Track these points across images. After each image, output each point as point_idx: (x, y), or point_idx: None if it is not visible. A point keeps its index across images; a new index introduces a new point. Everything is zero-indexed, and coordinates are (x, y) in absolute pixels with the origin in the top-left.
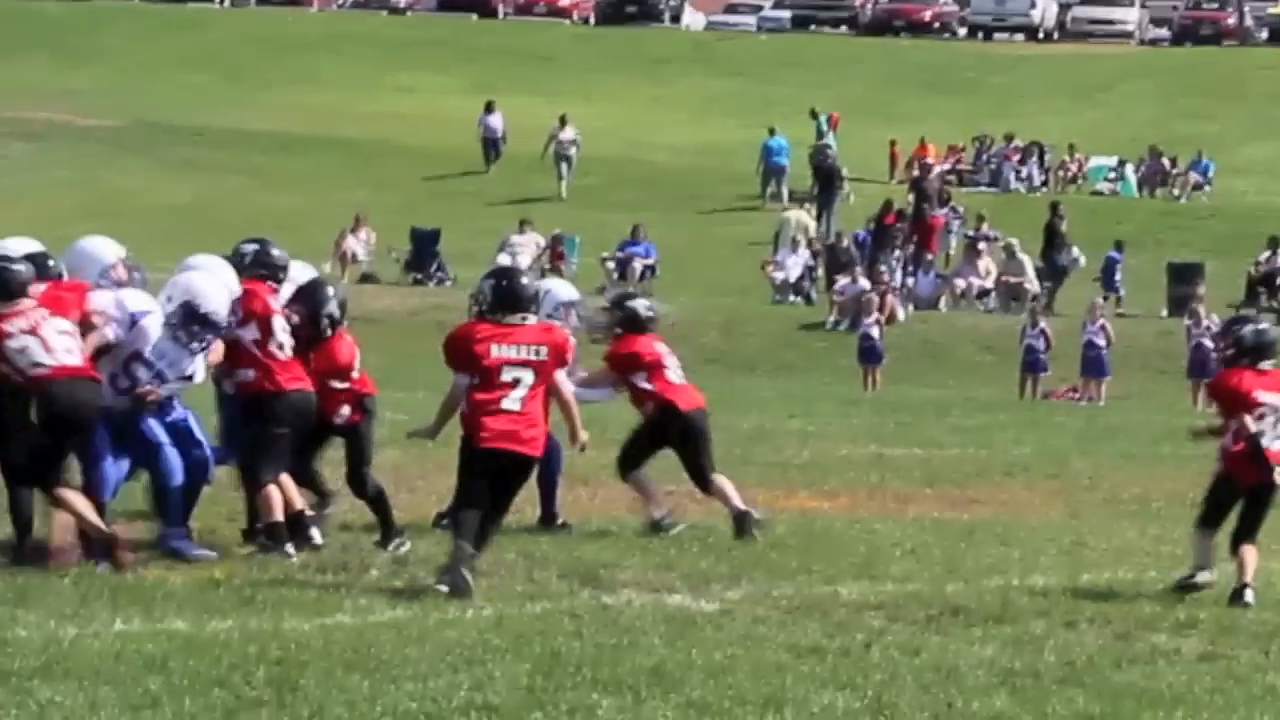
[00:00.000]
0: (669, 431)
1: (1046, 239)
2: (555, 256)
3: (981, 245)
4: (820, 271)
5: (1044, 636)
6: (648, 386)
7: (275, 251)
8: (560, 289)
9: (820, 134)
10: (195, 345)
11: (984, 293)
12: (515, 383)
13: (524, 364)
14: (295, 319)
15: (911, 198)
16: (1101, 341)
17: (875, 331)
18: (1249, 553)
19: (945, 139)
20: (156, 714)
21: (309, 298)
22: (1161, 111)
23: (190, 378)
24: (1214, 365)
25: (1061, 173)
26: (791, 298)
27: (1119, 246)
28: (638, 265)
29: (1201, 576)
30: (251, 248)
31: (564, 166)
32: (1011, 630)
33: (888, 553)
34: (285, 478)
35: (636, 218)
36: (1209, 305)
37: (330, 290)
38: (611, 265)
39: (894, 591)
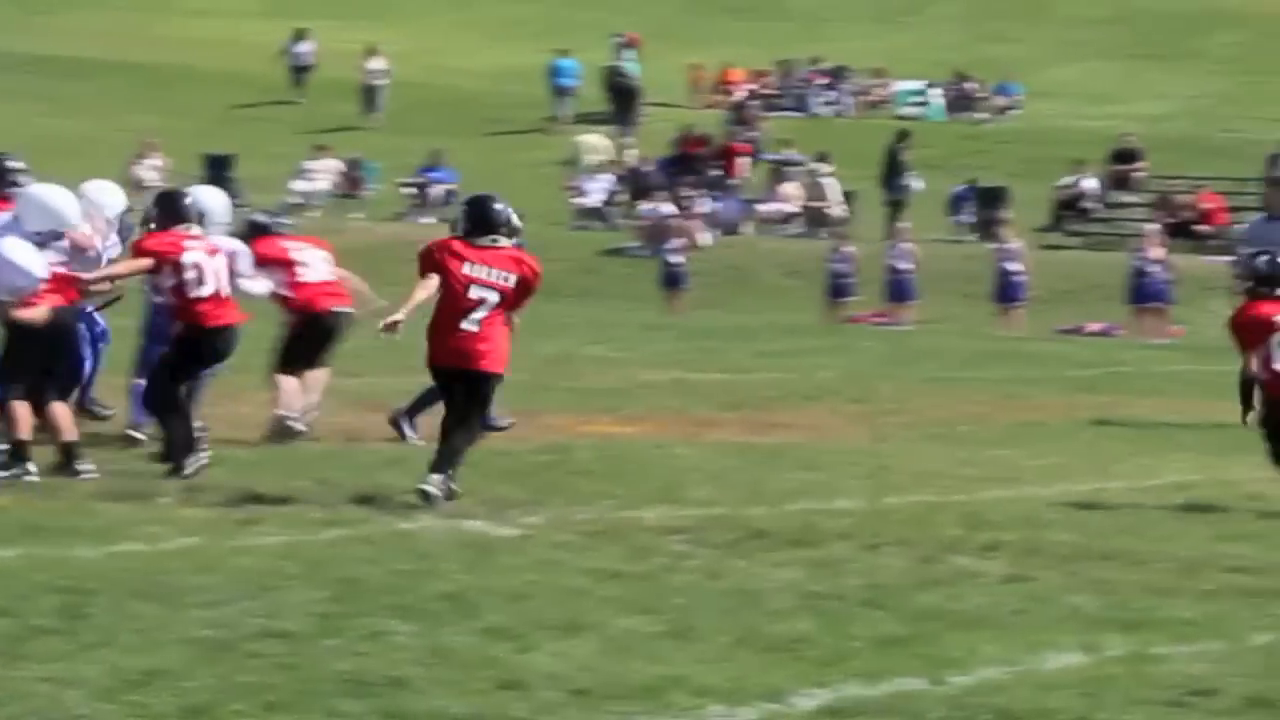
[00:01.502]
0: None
1: (888, 166)
2: (351, 182)
3: (787, 170)
4: (623, 196)
5: (847, 560)
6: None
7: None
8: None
9: (616, 56)
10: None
11: (788, 217)
12: (480, 302)
13: (490, 286)
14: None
15: (729, 123)
16: (906, 265)
17: (679, 257)
18: None
19: (750, 63)
20: None
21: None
22: (968, 35)
23: None
24: (1022, 291)
25: (867, 97)
26: (594, 223)
27: (971, 184)
28: (438, 191)
29: None
30: None
31: (372, 99)
32: (814, 554)
33: (690, 477)
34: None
35: (437, 143)
36: (1015, 229)
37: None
38: (411, 191)
39: (696, 516)
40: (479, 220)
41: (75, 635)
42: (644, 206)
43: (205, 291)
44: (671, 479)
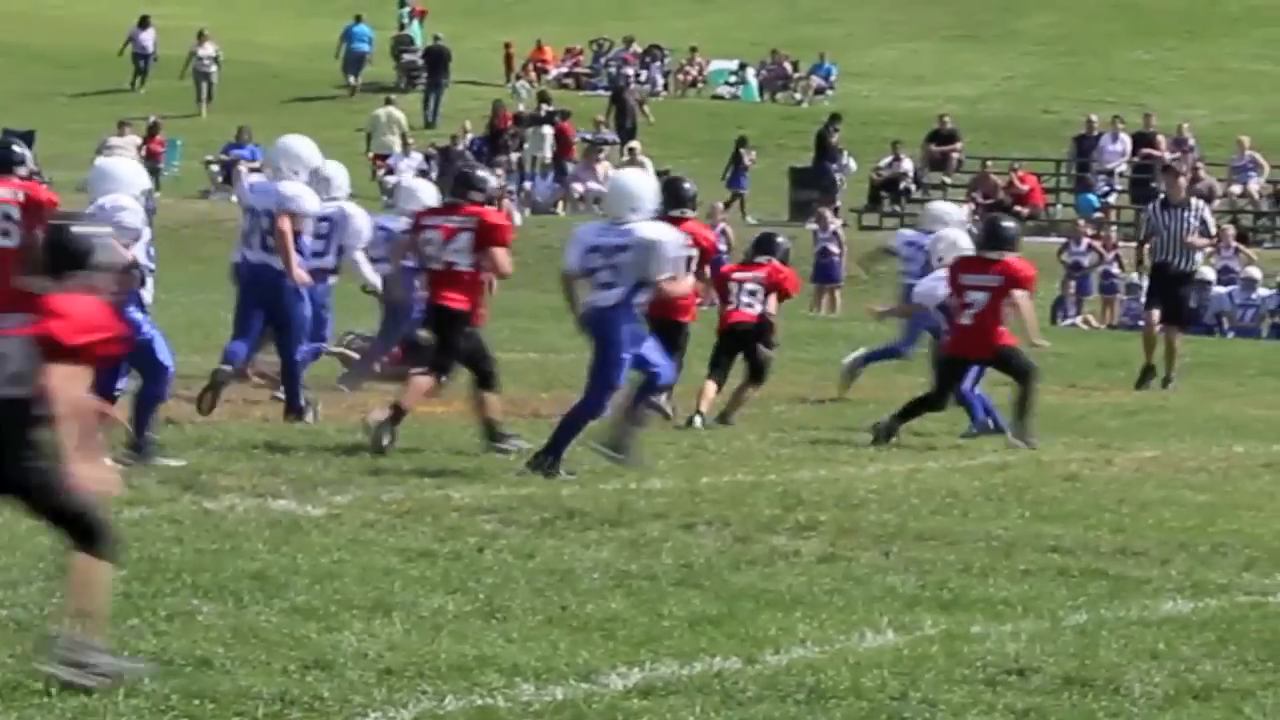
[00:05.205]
0: None
1: (818, 149)
2: (152, 155)
3: (601, 149)
4: (435, 175)
5: (661, 539)
6: None
7: None
8: None
9: (402, 25)
10: None
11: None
12: (972, 303)
13: (981, 289)
14: None
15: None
16: (722, 247)
17: None
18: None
19: (562, 41)
20: None
21: None
22: (784, 14)
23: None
24: (839, 272)
25: (681, 76)
26: None
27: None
28: (243, 169)
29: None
30: None
31: (204, 85)
32: (628, 533)
33: (501, 457)
34: None
35: (243, 119)
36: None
37: None
38: (215, 169)
39: (507, 495)
40: (989, 237)
41: None
42: None
43: None
44: (483, 458)
